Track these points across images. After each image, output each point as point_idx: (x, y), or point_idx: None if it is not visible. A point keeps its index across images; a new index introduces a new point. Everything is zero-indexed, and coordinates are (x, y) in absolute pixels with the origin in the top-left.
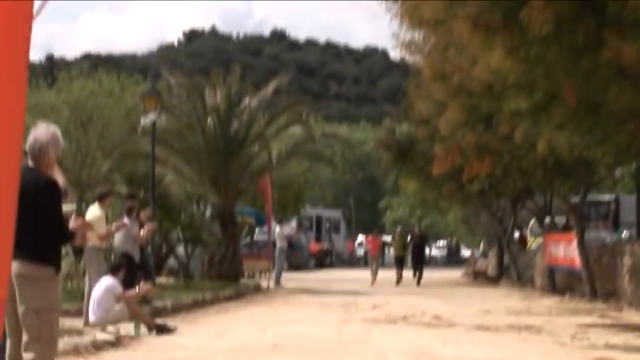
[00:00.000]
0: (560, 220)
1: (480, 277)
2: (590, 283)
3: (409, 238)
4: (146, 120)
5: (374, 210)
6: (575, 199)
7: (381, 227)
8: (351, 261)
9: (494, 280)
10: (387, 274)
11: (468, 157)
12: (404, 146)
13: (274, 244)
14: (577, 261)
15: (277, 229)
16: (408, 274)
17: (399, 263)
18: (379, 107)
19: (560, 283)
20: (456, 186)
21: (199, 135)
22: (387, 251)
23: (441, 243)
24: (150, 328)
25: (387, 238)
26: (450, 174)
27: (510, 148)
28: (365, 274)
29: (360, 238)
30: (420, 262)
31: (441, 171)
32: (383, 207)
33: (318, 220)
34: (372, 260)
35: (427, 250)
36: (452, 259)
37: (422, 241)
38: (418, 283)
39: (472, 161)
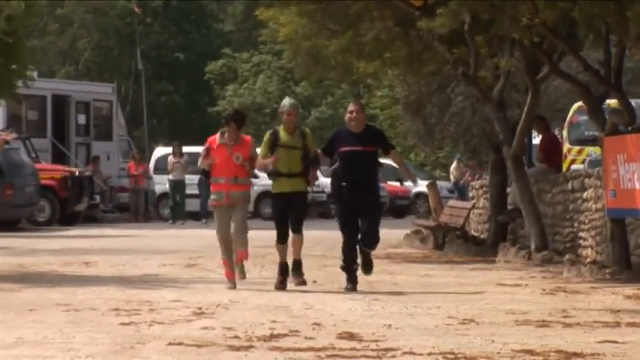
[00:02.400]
0: None
1: (451, 242)
2: None
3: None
4: None
5: (198, 83)
6: None
7: (213, 123)
8: (139, 207)
9: (483, 249)
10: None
11: None
12: None
13: None
14: None
15: None
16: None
17: (285, 211)
18: None
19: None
20: (392, 23)
21: None
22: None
23: None
24: None
25: None
26: None
27: None
28: (179, 237)
29: (162, 150)
30: (372, 212)
31: None
32: (217, 75)
33: (58, 106)
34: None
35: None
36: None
37: (374, 148)
38: (366, 268)
39: None
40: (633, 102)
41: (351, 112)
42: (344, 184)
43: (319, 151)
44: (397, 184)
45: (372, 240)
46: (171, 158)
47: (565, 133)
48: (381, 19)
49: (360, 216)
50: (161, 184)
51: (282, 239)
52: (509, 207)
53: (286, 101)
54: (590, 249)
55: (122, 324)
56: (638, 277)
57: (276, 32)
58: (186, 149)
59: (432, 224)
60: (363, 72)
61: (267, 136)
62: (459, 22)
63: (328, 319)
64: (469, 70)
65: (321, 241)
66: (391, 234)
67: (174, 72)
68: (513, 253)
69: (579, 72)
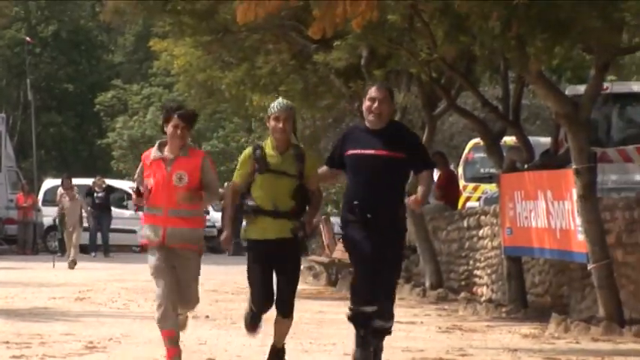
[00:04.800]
0: (539, 141)
1: (344, 278)
2: (608, 291)
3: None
4: None
5: (87, 114)
6: (576, 89)
7: (102, 154)
8: (27, 239)
9: None
10: None
11: None
12: None
13: None
14: (576, 237)
15: None
16: None
17: (269, 271)
18: None
19: (536, 293)
20: (289, 56)
21: None
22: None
23: None
24: None
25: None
26: (277, 27)
27: None
28: (68, 270)
29: (51, 182)
30: (390, 264)
31: (255, 17)
32: (107, 107)
33: None
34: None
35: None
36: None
37: (401, 154)
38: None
39: None
40: (531, 139)
41: (373, 99)
42: (355, 202)
43: (324, 168)
44: None
45: (388, 312)
46: (60, 190)
47: (460, 169)
48: (277, 52)
49: None
50: (49, 216)
51: (258, 313)
52: None
53: (276, 103)
54: (485, 287)
55: (13, 357)
56: (535, 315)
57: (169, 64)
58: (75, 181)
59: (325, 260)
60: (257, 105)
61: (247, 151)
62: (356, 56)
63: (222, 354)
64: None
65: (212, 275)
66: None
67: (64, 103)
68: (408, 291)
69: (475, 108)
